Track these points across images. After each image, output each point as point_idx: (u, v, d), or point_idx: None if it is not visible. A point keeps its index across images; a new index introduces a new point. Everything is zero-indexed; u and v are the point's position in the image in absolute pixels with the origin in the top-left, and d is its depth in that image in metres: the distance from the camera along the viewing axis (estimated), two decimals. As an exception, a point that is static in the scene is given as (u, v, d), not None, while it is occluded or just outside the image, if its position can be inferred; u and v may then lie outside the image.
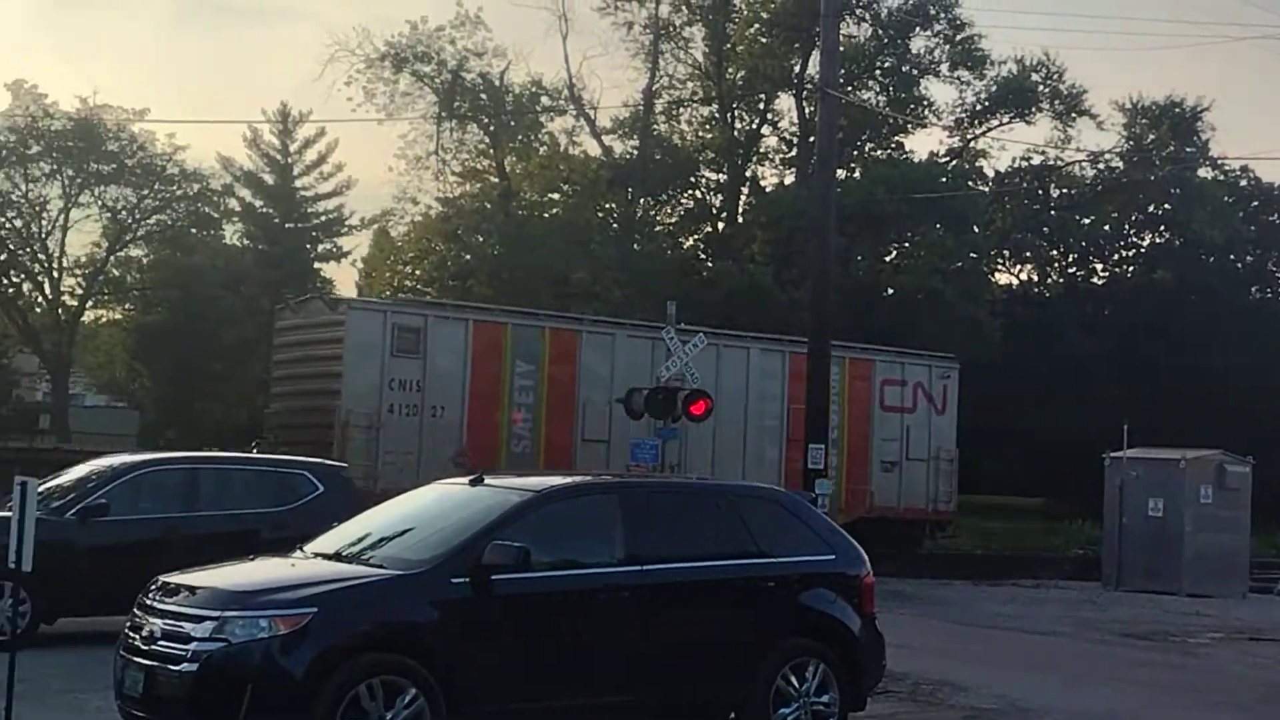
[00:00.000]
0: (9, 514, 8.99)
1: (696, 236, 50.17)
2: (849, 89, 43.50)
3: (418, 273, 49.63)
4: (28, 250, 49.37)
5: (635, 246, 43.10)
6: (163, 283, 50.38)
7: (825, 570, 11.85)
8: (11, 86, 50.53)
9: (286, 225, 57.46)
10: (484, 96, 46.31)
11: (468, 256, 46.76)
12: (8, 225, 50.03)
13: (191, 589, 9.95)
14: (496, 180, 48.18)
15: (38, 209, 50.18)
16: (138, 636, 9.90)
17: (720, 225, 49.02)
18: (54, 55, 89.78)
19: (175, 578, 10.23)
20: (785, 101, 49.00)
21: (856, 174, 46.41)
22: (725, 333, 30.82)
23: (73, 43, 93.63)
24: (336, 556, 10.69)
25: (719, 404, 28.29)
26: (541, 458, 27.07)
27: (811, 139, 43.36)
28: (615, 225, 46.28)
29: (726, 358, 29.69)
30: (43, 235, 50.36)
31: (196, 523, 15.86)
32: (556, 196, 48.71)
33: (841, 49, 33.21)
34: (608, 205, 47.30)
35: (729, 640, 11.26)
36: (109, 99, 56.63)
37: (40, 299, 50.45)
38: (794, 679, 11.32)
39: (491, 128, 46.96)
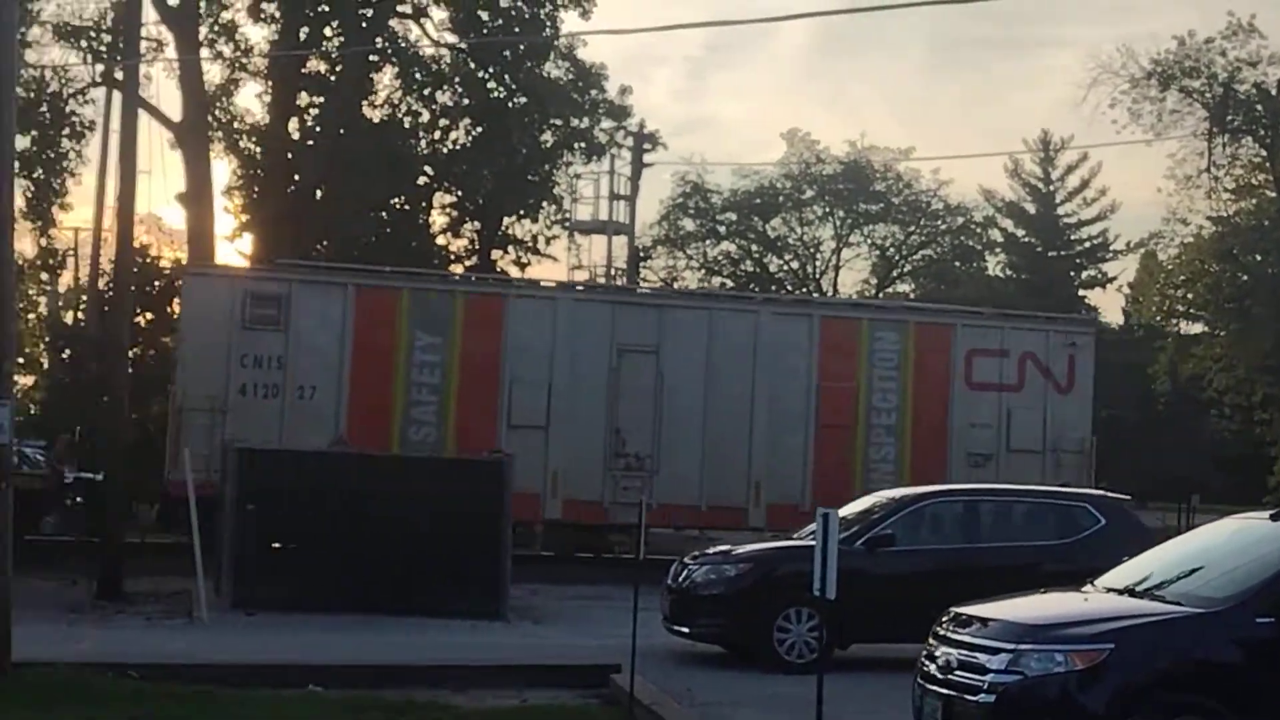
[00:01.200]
0: (812, 543, 9.47)
1: None
2: None
3: (1189, 295, 47.79)
4: (804, 290, 52.36)
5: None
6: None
7: None
8: (786, 135, 54.19)
9: (1049, 254, 57.39)
10: (1259, 107, 43.91)
11: (1244, 277, 44.43)
12: (785, 267, 53.47)
13: (984, 620, 10.06)
14: (1274, 195, 45.50)
15: (812, 250, 53.36)
16: (934, 665, 10.13)
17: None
18: (823, 102, 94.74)
19: (967, 609, 10.38)
20: None
21: None
22: (721, 293, 26.20)
23: (840, 89, 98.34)
24: (1127, 592, 10.49)
25: (708, 382, 24.21)
26: (453, 446, 23.26)
27: None
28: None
29: (721, 323, 24.70)
30: (817, 275, 53.37)
31: (978, 555, 16.01)
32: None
33: None
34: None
35: None
36: (875, 140, 58.99)
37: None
38: None
39: (1268, 140, 44.44)
